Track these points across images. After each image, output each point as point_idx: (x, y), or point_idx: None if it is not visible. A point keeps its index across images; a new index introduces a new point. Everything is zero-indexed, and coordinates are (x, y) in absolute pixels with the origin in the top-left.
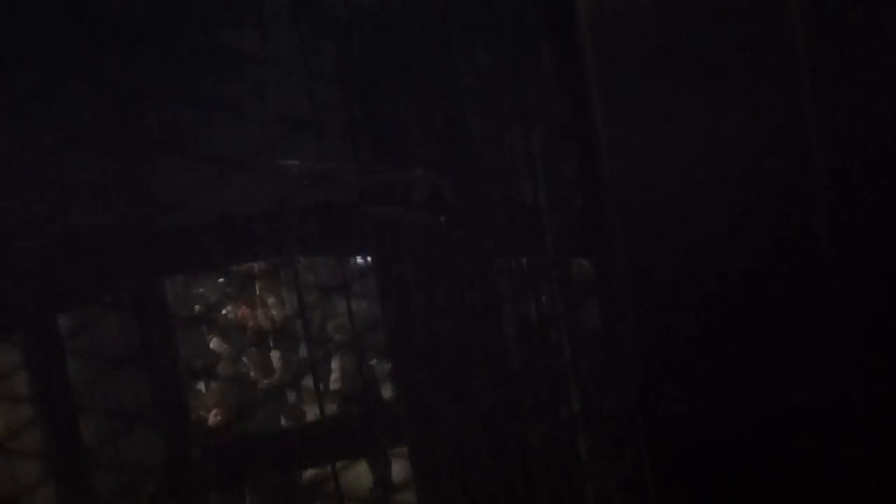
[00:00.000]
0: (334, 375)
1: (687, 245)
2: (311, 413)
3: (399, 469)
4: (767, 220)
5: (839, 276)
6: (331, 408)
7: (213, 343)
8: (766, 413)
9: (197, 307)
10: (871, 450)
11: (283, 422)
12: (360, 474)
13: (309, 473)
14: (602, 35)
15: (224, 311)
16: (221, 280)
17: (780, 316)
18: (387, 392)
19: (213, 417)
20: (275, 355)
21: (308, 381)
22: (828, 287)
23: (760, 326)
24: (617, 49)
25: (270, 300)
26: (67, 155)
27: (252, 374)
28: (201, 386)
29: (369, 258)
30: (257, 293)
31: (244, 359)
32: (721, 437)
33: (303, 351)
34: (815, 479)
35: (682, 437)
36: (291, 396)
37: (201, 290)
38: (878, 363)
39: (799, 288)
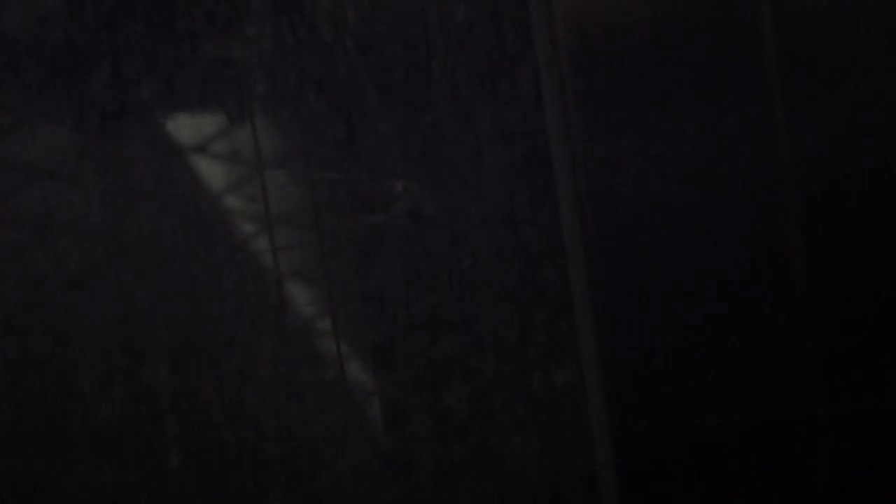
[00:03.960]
0: None
1: (657, 263)
2: None
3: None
4: (736, 238)
5: (809, 294)
6: None
7: None
8: (731, 431)
9: None
10: (836, 469)
11: None
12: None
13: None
14: (581, 60)
15: None
16: None
17: (747, 334)
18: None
19: None
20: None
21: None
22: (797, 305)
23: (727, 344)
24: (594, 74)
25: None
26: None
27: None
28: None
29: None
30: None
31: None
32: (682, 456)
33: None
34: (778, 498)
35: (641, 457)
36: None
37: None
38: (844, 382)
39: (768, 306)
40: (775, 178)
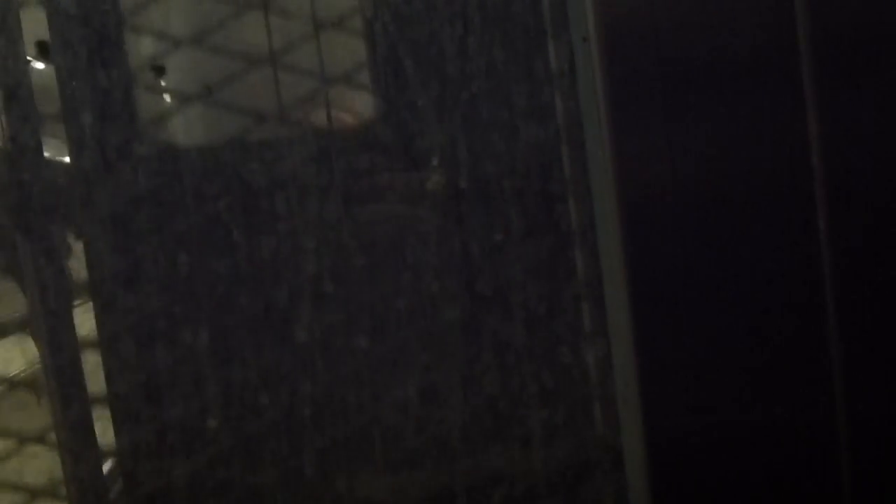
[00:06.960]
0: None
1: (687, 249)
2: None
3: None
4: (766, 229)
5: (836, 289)
6: None
7: None
8: (746, 429)
9: None
10: (854, 469)
11: None
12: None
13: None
14: (615, 39)
15: None
16: None
17: (772, 329)
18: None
19: None
20: None
21: None
22: (824, 301)
23: (750, 339)
24: (628, 54)
25: None
26: None
27: None
28: None
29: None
30: None
31: None
32: (696, 453)
33: None
34: (795, 498)
35: (669, 437)
36: None
37: None
38: (865, 381)
39: (794, 301)
40: (803, 167)
